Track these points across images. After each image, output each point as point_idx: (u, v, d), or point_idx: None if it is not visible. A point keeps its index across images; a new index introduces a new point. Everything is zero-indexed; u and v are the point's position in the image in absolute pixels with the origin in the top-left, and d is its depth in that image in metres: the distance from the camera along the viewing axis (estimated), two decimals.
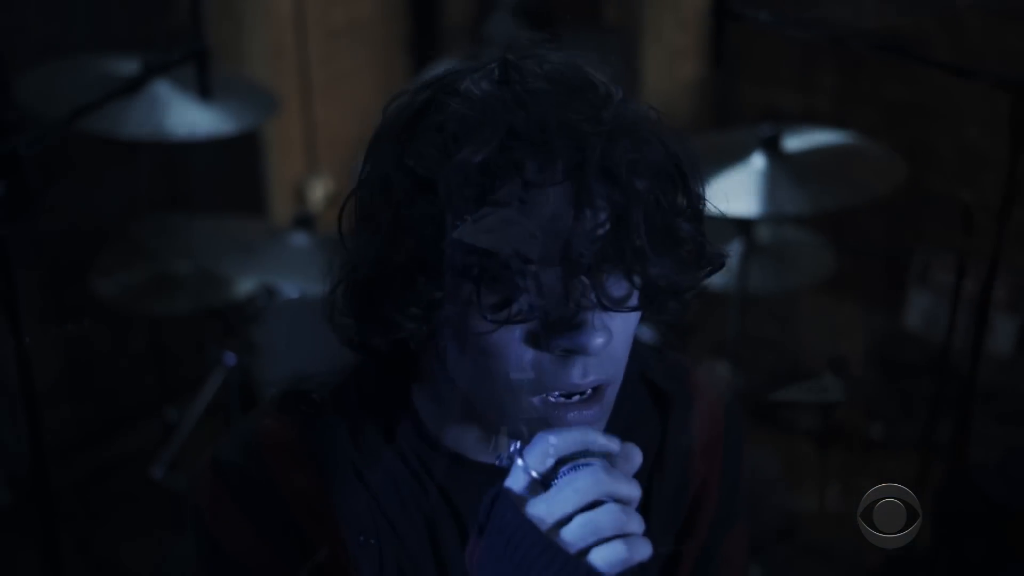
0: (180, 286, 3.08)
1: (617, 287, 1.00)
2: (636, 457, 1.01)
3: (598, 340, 0.99)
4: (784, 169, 2.55)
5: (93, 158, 3.38)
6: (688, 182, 1.05)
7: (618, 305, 1.00)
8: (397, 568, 1.14)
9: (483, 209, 0.96)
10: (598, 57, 1.07)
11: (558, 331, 0.99)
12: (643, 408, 1.25)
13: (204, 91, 2.34)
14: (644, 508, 1.00)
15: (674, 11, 4.45)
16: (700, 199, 1.07)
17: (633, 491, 0.97)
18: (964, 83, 2.17)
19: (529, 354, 1.01)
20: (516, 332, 1.00)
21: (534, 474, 0.97)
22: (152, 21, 3.43)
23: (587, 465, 0.97)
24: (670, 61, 4.51)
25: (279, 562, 1.12)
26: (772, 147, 2.58)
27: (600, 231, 0.97)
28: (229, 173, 3.98)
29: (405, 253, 1.01)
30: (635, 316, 1.05)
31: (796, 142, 2.63)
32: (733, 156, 2.58)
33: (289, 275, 2.82)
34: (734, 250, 2.80)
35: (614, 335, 1.01)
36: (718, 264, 1.10)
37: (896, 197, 2.59)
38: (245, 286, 3.09)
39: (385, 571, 1.13)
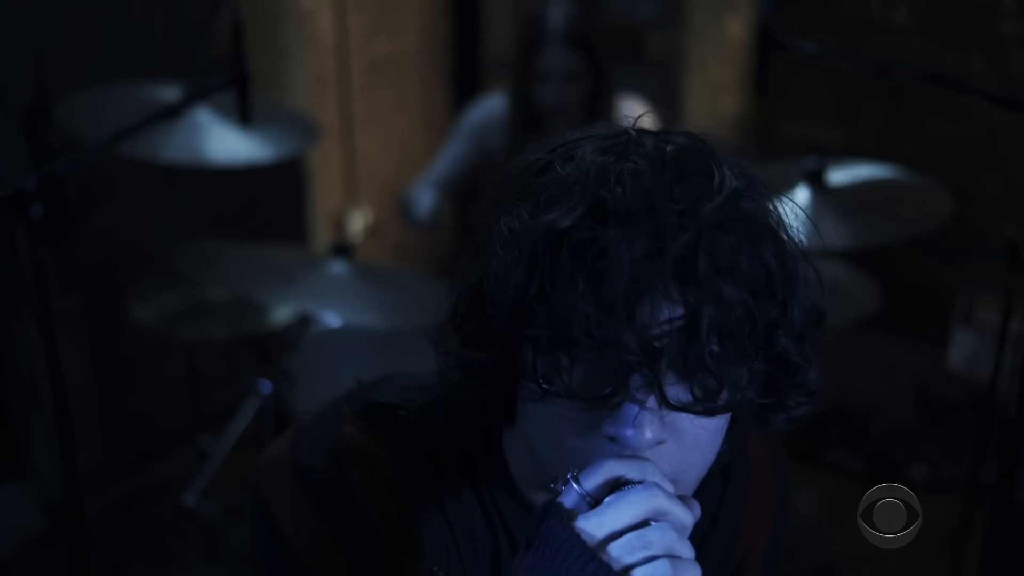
0: (217, 313, 3.08)
1: (678, 390, 0.93)
2: (695, 510, 0.96)
3: (646, 435, 0.94)
4: (828, 203, 2.51)
5: (133, 184, 3.40)
6: (793, 299, 0.97)
7: (678, 407, 0.94)
8: None
9: (549, 276, 0.92)
10: (734, 150, 1.02)
11: (599, 414, 0.95)
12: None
13: (244, 118, 2.33)
14: None
15: (716, 45, 4.44)
16: (806, 318, 1.00)
17: (686, 515, 0.93)
18: (1010, 118, 2.13)
19: (578, 434, 0.97)
20: (567, 405, 0.96)
21: (588, 496, 0.94)
22: (195, 48, 3.46)
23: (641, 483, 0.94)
24: (711, 94, 4.50)
25: (348, 565, 1.10)
26: (816, 180, 2.54)
27: (665, 327, 0.91)
28: (269, 202, 4.00)
29: (482, 304, 0.99)
30: (713, 423, 0.98)
31: (840, 176, 2.59)
32: (776, 189, 2.54)
33: (326, 304, 2.80)
34: None
35: (677, 437, 0.97)
36: (809, 393, 1.04)
37: (941, 233, 2.55)
38: (282, 314, 3.09)
39: None
